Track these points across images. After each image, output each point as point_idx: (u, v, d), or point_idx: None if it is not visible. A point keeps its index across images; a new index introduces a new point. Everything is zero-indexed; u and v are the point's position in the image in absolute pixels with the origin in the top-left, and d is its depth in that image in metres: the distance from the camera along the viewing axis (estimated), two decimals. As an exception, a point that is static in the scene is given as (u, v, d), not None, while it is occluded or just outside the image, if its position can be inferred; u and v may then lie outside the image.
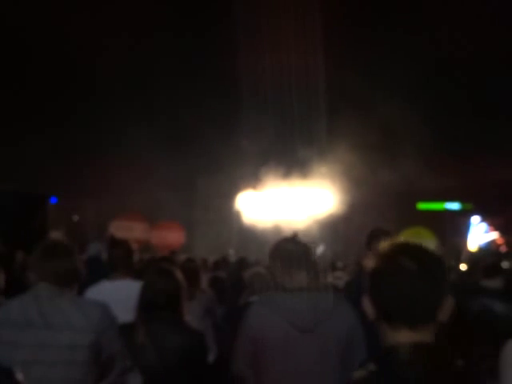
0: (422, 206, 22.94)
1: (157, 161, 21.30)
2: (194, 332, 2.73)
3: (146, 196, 20.72)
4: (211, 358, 4.60)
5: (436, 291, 1.36)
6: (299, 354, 2.40)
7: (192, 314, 4.23)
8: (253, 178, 22.60)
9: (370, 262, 1.46)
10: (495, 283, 3.95)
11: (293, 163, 20.40)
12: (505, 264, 5.73)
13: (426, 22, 18.10)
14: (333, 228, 21.18)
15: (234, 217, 23.69)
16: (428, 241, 16.22)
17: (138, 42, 18.92)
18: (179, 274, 2.82)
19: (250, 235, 21.61)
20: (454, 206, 22.99)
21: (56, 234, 7.45)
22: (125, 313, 2.61)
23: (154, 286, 2.72)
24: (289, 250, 2.62)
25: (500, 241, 20.66)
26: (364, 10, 19.58)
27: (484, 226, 21.71)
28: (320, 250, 19.67)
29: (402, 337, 1.34)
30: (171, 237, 18.62)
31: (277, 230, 20.76)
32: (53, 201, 13.65)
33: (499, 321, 3.50)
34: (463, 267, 8.87)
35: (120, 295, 2.34)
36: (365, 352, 2.48)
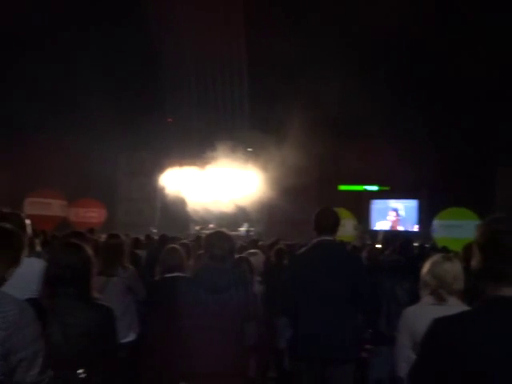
0: (343, 187, 23.74)
1: (79, 135, 20.44)
2: (102, 308, 2.65)
3: (66, 172, 19.86)
4: (132, 337, 4.49)
5: None
6: None
7: (113, 291, 4.11)
8: (178, 157, 22.30)
9: None
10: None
11: (219, 144, 20.30)
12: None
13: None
14: (257, 209, 21.40)
15: (158, 195, 23.29)
16: (347, 220, 16.90)
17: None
18: (88, 249, 2.73)
19: (173, 213, 21.34)
20: (373, 188, 24.02)
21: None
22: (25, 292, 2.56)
23: (60, 260, 2.63)
24: None
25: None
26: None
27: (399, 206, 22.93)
28: (244, 228, 19.89)
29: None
30: (90, 214, 18.06)
31: (200, 209, 20.71)
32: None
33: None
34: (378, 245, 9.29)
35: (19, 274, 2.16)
36: None
